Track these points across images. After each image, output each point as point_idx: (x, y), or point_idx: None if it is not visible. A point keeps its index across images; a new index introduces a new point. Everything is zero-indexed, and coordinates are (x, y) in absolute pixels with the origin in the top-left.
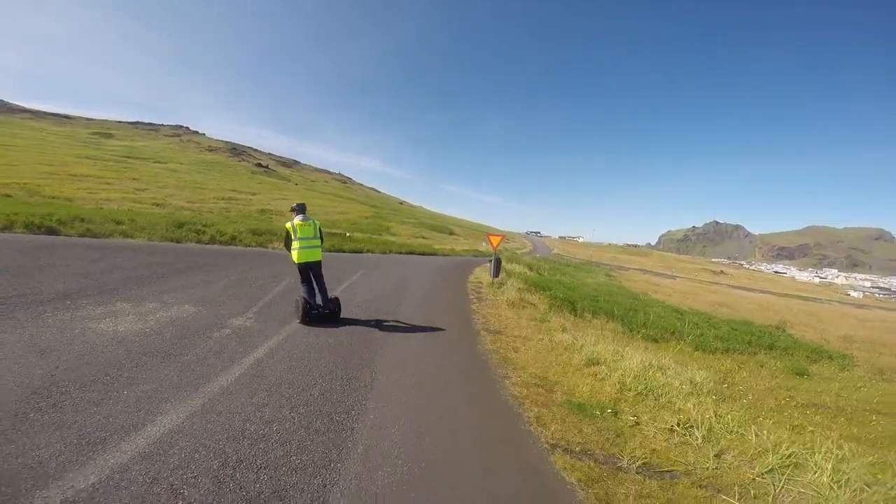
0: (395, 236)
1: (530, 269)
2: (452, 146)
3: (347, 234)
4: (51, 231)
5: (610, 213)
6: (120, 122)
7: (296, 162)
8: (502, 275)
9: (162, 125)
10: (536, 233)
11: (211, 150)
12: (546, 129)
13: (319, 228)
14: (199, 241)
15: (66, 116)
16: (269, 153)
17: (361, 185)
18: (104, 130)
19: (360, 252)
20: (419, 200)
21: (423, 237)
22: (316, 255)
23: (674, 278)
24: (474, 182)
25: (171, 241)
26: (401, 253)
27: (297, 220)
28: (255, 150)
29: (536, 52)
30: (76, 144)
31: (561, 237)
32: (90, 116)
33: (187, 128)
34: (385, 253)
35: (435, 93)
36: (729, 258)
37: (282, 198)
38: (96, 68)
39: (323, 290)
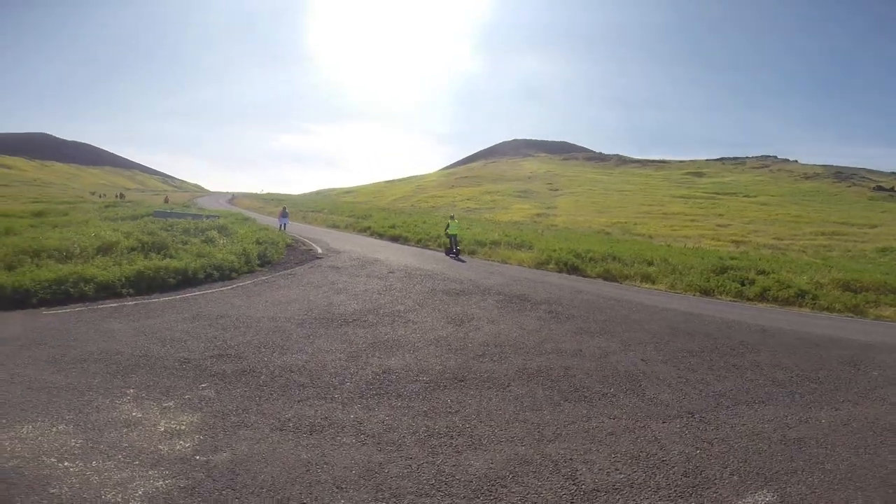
0: None
1: None
2: None
3: None
4: (574, 269)
5: None
6: (708, 160)
7: None
8: None
9: (747, 157)
10: None
11: (808, 178)
12: None
13: (457, 223)
14: (738, 296)
15: (663, 161)
16: (894, 172)
17: None
18: (695, 170)
19: None
20: None
21: None
22: (455, 231)
23: None
24: None
25: (700, 292)
26: None
27: (449, 221)
28: (871, 172)
29: None
30: (671, 185)
31: None
32: (682, 159)
33: (775, 157)
34: None
35: None
36: None
37: None
38: (686, 116)
39: (456, 247)
